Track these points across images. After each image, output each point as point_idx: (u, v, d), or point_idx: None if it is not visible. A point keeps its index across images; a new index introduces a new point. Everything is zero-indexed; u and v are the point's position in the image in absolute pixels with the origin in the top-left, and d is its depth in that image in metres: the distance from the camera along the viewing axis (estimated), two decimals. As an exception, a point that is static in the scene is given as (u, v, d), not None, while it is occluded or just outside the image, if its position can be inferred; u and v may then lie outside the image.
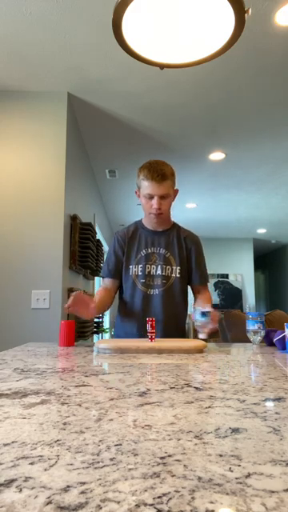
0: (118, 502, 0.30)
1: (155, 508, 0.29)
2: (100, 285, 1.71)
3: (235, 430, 0.46)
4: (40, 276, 2.39)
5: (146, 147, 3.44)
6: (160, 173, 1.50)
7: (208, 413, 0.53)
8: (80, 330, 2.63)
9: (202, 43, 1.09)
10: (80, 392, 0.65)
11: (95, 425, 0.48)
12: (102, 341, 1.28)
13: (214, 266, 7.71)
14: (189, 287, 1.70)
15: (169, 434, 0.45)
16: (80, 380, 0.75)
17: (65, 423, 0.49)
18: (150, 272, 1.60)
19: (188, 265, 1.65)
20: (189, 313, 1.69)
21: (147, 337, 1.29)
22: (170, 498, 0.31)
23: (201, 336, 1.37)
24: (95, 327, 3.34)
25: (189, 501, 0.30)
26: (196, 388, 0.68)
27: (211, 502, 0.30)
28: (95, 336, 3.91)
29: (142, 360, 1.02)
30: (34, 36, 2.07)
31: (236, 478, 0.34)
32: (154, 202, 1.53)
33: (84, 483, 0.33)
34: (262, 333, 1.42)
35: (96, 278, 3.81)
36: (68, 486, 0.33)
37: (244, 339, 1.61)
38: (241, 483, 0.33)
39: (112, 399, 0.60)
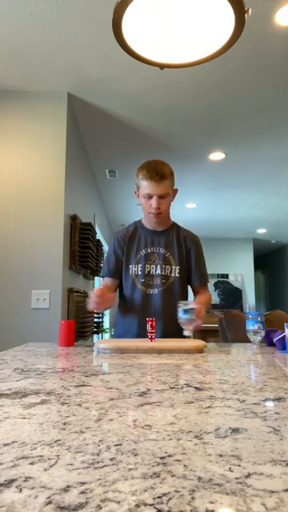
0: (118, 502, 0.30)
1: (155, 508, 0.29)
2: (100, 284, 1.71)
3: (235, 430, 0.46)
4: (40, 276, 2.39)
5: (146, 147, 3.44)
6: (159, 172, 1.51)
7: (208, 413, 0.53)
8: (80, 330, 2.63)
9: (201, 43, 1.09)
10: (80, 392, 0.65)
11: (95, 425, 0.48)
12: (102, 341, 1.28)
13: (214, 266, 7.71)
14: (189, 287, 1.70)
15: (169, 434, 0.45)
16: (80, 380, 0.75)
17: (65, 423, 0.49)
18: (149, 272, 1.60)
19: (188, 265, 1.65)
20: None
21: (147, 337, 1.29)
22: (170, 498, 0.30)
23: (185, 333, 1.37)
24: (95, 327, 3.34)
25: (189, 501, 0.30)
26: (196, 388, 0.68)
27: (211, 502, 0.30)
28: (95, 336, 3.91)
29: (142, 360, 1.02)
30: (34, 36, 2.07)
31: (236, 478, 0.34)
32: (153, 201, 1.53)
33: (84, 483, 0.33)
34: (262, 333, 1.42)
35: (96, 278, 3.81)
36: (68, 486, 0.33)
37: (244, 339, 1.61)
38: (241, 483, 0.33)
39: (112, 399, 0.60)
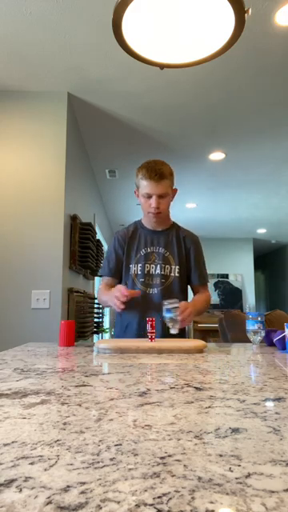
0: (118, 502, 0.30)
1: (155, 508, 0.29)
2: (100, 283, 1.71)
3: (235, 430, 0.46)
4: (40, 276, 2.39)
5: (146, 147, 3.44)
6: (158, 172, 1.51)
7: (208, 413, 0.53)
8: (80, 330, 2.63)
9: (201, 43, 1.09)
10: (80, 392, 0.65)
11: (95, 425, 0.48)
12: (102, 341, 1.28)
13: (214, 266, 7.71)
14: (189, 287, 1.70)
15: (169, 434, 0.45)
16: (80, 380, 0.75)
17: (65, 423, 0.49)
18: (149, 271, 1.60)
19: (187, 264, 1.65)
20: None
21: (147, 337, 1.29)
22: (170, 498, 0.30)
23: (171, 331, 1.36)
24: (95, 327, 3.34)
25: (189, 501, 0.30)
26: (196, 388, 0.68)
27: (211, 502, 0.30)
28: (95, 336, 3.91)
29: (142, 360, 1.02)
30: (34, 36, 2.07)
31: (236, 478, 0.34)
32: (153, 201, 1.54)
33: (84, 483, 0.33)
34: (262, 333, 1.42)
35: (96, 278, 3.82)
36: (68, 486, 0.33)
37: (244, 339, 1.61)
38: (241, 483, 0.33)
39: (112, 399, 0.60)
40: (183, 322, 1.38)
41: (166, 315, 1.34)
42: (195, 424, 0.49)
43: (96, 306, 3.42)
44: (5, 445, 0.42)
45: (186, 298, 1.65)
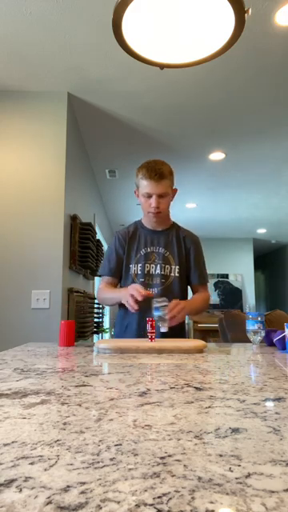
0: (118, 502, 0.30)
1: (155, 508, 0.29)
2: (100, 283, 1.70)
3: (235, 430, 0.46)
4: (40, 276, 2.39)
5: (146, 147, 3.44)
6: (158, 172, 1.51)
7: (208, 413, 0.53)
8: (80, 330, 2.63)
9: (201, 43, 1.09)
10: (80, 392, 0.65)
11: (95, 425, 0.48)
12: (102, 341, 1.28)
13: (214, 266, 7.71)
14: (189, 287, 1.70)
15: (169, 434, 0.45)
16: (80, 380, 0.75)
17: (65, 423, 0.49)
18: (149, 271, 1.60)
19: (187, 264, 1.65)
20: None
21: (147, 337, 1.29)
22: (170, 498, 0.30)
23: (161, 330, 1.36)
24: (95, 327, 3.34)
25: (189, 501, 0.30)
26: (196, 388, 0.68)
27: (211, 502, 0.30)
28: (95, 336, 3.91)
29: (142, 360, 1.02)
30: (34, 36, 2.07)
31: (236, 478, 0.34)
32: (153, 200, 1.54)
33: (84, 483, 0.33)
34: (262, 333, 1.42)
35: (96, 278, 3.82)
36: (68, 486, 0.33)
37: (244, 339, 1.61)
38: (241, 483, 0.33)
39: (112, 399, 0.60)
40: (172, 319, 1.38)
41: (155, 313, 1.34)
42: (195, 424, 0.49)
43: (96, 305, 3.42)
44: (5, 445, 0.42)
45: (185, 298, 1.65)
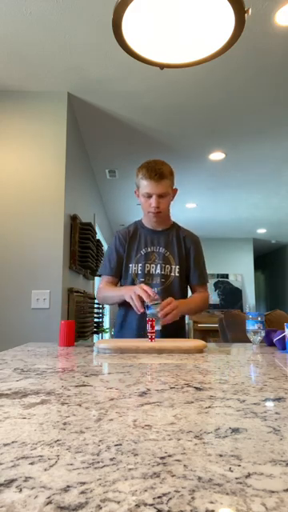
0: (118, 502, 0.30)
1: (155, 508, 0.29)
2: (100, 282, 1.70)
3: (235, 430, 0.46)
4: (40, 276, 2.39)
5: (146, 147, 3.44)
6: (158, 172, 1.51)
7: (208, 413, 0.53)
8: (80, 330, 2.63)
9: (201, 43, 1.09)
10: (80, 392, 0.65)
11: (95, 425, 0.48)
12: (102, 341, 1.28)
13: (213, 266, 7.71)
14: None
15: (169, 434, 0.45)
16: (80, 380, 0.75)
17: (65, 423, 0.49)
18: (149, 271, 1.60)
19: (187, 264, 1.65)
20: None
21: (147, 337, 1.29)
22: (170, 498, 0.30)
23: (155, 327, 1.35)
24: (95, 327, 3.34)
25: (189, 501, 0.30)
26: (196, 388, 0.68)
27: (211, 502, 0.30)
28: (95, 336, 3.91)
29: (142, 360, 1.02)
30: (34, 36, 2.07)
31: (236, 478, 0.34)
32: (153, 200, 1.54)
33: (84, 483, 0.33)
34: (262, 333, 1.42)
35: (96, 278, 3.82)
36: (68, 486, 0.33)
37: (244, 339, 1.61)
38: (241, 483, 0.33)
39: (112, 399, 0.60)
40: (165, 317, 1.38)
41: (148, 312, 1.34)
42: (195, 424, 0.49)
43: (96, 305, 3.42)
44: (5, 445, 0.42)
45: (185, 298, 1.65)
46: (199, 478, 0.34)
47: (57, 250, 2.42)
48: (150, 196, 1.55)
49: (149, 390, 0.67)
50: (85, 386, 0.70)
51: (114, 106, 2.76)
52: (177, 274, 1.61)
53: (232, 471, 0.35)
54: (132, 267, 1.62)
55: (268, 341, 1.42)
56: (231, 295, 7.76)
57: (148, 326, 1.29)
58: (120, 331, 1.64)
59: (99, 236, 4.69)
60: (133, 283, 1.59)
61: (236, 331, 2.70)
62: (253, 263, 8.00)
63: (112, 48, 2.14)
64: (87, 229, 2.86)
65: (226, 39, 1.04)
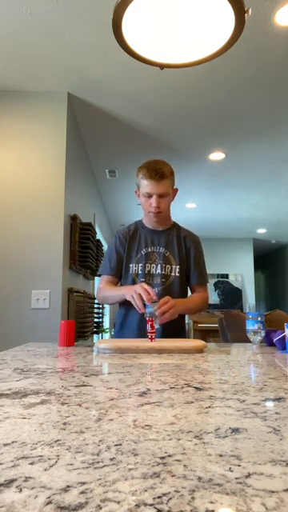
0: (118, 502, 0.30)
1: (155, 508, 0.29)
2: (100, 282, 1.69)
3: (235, 430, 0.46)
4: (40, 276, 2.39)
5: (146, 147, 3.44)
6: (159, 172, 1.51)
7: (208, 413, 0.53)
8: (80, 330, 2.63)
9: (201, 43, 1.09)
10: (80, 392, 0.65)
11: (95, 425, 0.48)
12: (102, 341, 1.28)
13: (213, 266, 7.71)
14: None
15: (169, 434, 0.45)
16: (80, 380, 0.75)
17: (65, 423, 0.49)
18: (149, 271, 1.60)
19: (187, 264, 1.65)
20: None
21: (147, 337, 1.29)
22: (170, 498, 0.31)
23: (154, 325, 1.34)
24: (95, 327, 3.34)
25: (189, 501, 0.30)
26: (196, 388, 0.68)
27: (211, 502, 0.30)
28: (95, 336, 3.91)
29: (142, 360, 1.02)
30: (34, 36, 2.07)
31: (236, 478, 0.34)
32: (153, 200, 1.54)
33: (84, 483, 0.33)
34: (262, 333, 1.42)
35: (96, 278, 3.82)
36: (68, 486, 0.33)
37: (244, 339, 1.61)
38: (241, 483, 0.33)
39: (112, 399, 0.60)
40: (163, 315, 1.38)
41: (146, 310, 1.33)
42: (195, 424, 0.49)
43: (96, 305, 3.42)
44: (5, 445, 0.42)
45: (185, 297, 1.64)
46: (199, 478, 0.34)
47: (57, 249, 2.42)
48: (150, 196, 1.55)
49: (149, 389, 0.67)
50: (85, 386, 0.70)
51: (113, 106, 2.76)
52: (177, 274, 1.61)
53: (232, 471, 0.35)
54: (132, 267, 1.62)
55: (268, 341, 1.42)
56: (231, 295, 7.76)
57: (148, 326, 1.29)
58: (120, 331, 1.64)
59: (99, 236, 4.69)
60: (133, 283, 1.59)
61: (236, 331, 2.70)
62: (253, 263, 8.00)
63: (112, 48, 2.14)
64: (87, 229, 2.86)
65: (226, 39, 1.04)
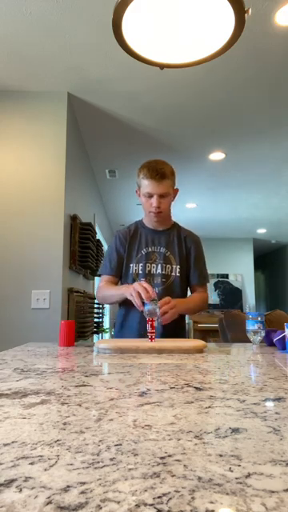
0: (118, 502, 0.30)
1: (155, 508, 0.29)
2: (100, 282, 1.69)
3: (235, 430, 0.46)
4: (40, 276, 2.39)
5: (146, 147, 3.44)
6: (160, 172, 1.51)
7: (208, 413, 0.53)
8: (80, 330, 2.63)
9: (201, 43, 1.09)
10: (80, 392, 0.65)
11: (95, 425, 0.48)
12: (102, 341, 1.28)
13: (213, 266, 7.71)
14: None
15: (169, 434, 0.45)
16: (80, 380, 0.75)
17: (65, 423, 0.49)
18: (150, 271, 1.60)
19: (187, 264, 1.65)
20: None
21: (147, 336, 1.29)
22: (170, 498, 0.30)
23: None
24: (95, 327, 3.34)
25: (189, 501, 0.30)
26: (196, 388, 0.68)
27: (211, 502, 0.30)
28: (95, 336, 3.91)
29: (142, 360, 1.02)
30: (34, 36, 2.07)
31: (236, 478, 0.34)
32: (154, 200, 1.54)
33: (84, 483, 0.33)
34: (262, 333, 1.42)
35: (96, 278, 3.82)
36: (68, 486, 0.33)
37: (244, 339, 1.61)
38: (241, 483, 0.33)
39: (112, 399, 0.60)
40: (164, 316, 1.37)
41: (145, 308, 1.33)
42: (195, 424, 0.49)
43: (96, 305, 3.42)
44: (5, 445, 0.42)
45: (186, 297, 1.64)
46: (199, 478, 0.34)
47: (57, 249, 2.42)
48: (151, 196, 1.54)
49: (149, 389, 0.67)
50: (85, 386, 0.70)
51: (114, 106, 2.76)
52: (177, 274, 1.61)
53: (232, 471, 0.35)
54: (133, 267, 1.61)
55: (268, 341, 1.42)
56: (231, 295, 7.76)
57: (148, 326, 1.29)
58: (120, 331, 1.64)
59: (99, 236, 4.69)
60: (133, 283, 1.59)
61: (236, 331, 2.70)
62: (253, 263, 8.00)
63: (112, 48, 2.14)
64: (87, 229, 2.86)
65: (226, 39, 1.04)
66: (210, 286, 7.61)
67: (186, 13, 0.99)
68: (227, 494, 0.31)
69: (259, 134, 3.21)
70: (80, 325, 2.65)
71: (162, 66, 1.17)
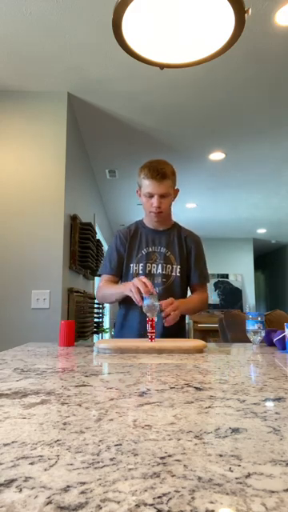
0: (118, 502, 0.30)
1: (155, 508, 0.29)
2: (100, 281, 1.69)
3: (235, 430, 0.46)
4: (40, 276, 2.39)
5: (146, 147, 3.44)
6: (160, 172, 1.51)
7: (208, 413, 0.53)
8: (80, 330, 2.63)
9: (201, 43, 1.09)
10: (80, 392, 0.65)
11: (95, 425, 0.48)
12: (102, 341, 1.28)
13: (214, 266, 7.71)
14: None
15: (169, 434, 0.45)
16: (80, 380, 0.75)
17: (65, 423, 0.49)
18: (150, 271, 1.60)
19: (188, 264, 1.65)
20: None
21: (147, 337, 1.29)
22: (170, 498, 0.30)
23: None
24: (95, 327, 3.34)
25: (189, 501, 0.30)
26: (196, 388, 0.68)
27: (211, 502, 0.30)
28: (95, 336, 3.91)
29: (142, 360, 1.02)
30: (34, 36, 2.07)
31: (236, 478, 0.34)
32: (154, 200, 1.54)
33: (84, 483, 0.33)
34: (262, 333, 1.42)
35: (96, 278, 3.82)
36: (68, 486, 0.33)
37: (244, 339, 1.61)
38: (241, 483, 0.33)
39: (112, 399, 0.60)
40: (168, 318, 1.37)
41: (144, 303, 1.32)
42: (195, 424, 0.49)
43: (96, 305, 3.42)
44: (5, 445, 0.42)
45: (186, 297, 1.64)
46: (199, 478, 0.34)
47: (57, 249, 2.42)
48: (151, 196, 1.54)
49: (149, 389, 0.67)
50: (85, 385, 0.70)
51: (114, 106, 2.76)
52: (178, 274, 1.61)
53: (232, 471, 0.35)
54: (133, 267, 1.61)
55: (268, 341, 1.42)
56: (231, 295, 7.76)
57: (148, 326, 1.29)
58: (120, 331, 1.64)
59: (99, 236, 4.69)
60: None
61: (236, 331, 2.70)
62: (253, 263, 8.00)
63: (112, 48, 2.14)
64: (87, 229, 2.86)
65: (226, 39, 1.04)
66: (210, 285, 7.61)
67: (185, 13, 0.99)
68: (227, 494, 0.31)
69: (259, 133, 3.21)
70: (80, 325, 2.65)
71: (162, 66, 1.17)
